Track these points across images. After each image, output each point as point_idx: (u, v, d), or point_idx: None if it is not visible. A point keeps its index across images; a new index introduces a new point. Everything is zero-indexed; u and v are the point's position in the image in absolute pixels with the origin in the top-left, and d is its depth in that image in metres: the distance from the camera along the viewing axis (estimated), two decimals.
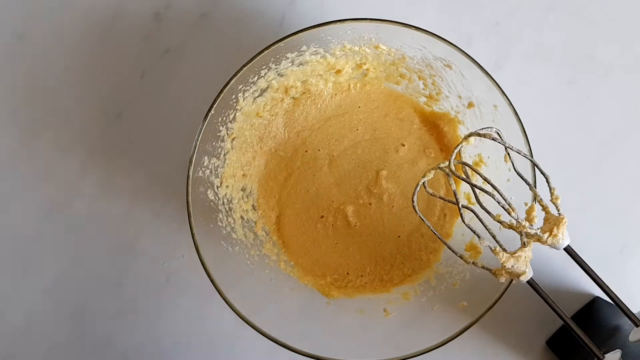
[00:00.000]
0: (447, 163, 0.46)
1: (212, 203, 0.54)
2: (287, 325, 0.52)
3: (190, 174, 0.51)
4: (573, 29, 0.62)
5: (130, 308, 0.60)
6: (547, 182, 0.46)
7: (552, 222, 0.46)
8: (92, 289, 0.60)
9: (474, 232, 0.46)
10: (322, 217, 0.58)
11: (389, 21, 0.51)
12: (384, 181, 0.59)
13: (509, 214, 0.45)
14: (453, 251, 0.48)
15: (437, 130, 0.60)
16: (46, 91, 0.61)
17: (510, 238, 0.47)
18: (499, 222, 0.46)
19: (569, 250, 0.46)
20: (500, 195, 0.45)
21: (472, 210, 0.47)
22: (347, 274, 0.58)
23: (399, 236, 0.58)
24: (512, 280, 0.48)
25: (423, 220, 0.48)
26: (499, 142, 0.47)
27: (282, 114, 0.59)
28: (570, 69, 0.62)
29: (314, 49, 0.54)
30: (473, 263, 0.48)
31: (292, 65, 0.55)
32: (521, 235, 0.46)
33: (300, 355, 0.50)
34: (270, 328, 0.50)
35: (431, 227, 0.48)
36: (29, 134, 0.61)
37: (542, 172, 0.46)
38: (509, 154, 0.48)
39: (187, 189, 0.50)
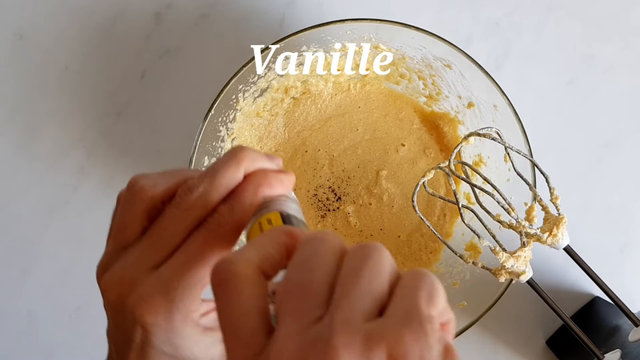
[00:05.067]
0: (447, 163, 0.47)
1: None
2: None
3: None
4: (573, 29, 0.62)
5: None
6: (547, 182, 0.46)
7: (551, 222, 0.46)
8: (92, 289, 0.60)
9: (474, 232, 0.46)
10: (322, 217, 0.58)
11: (389, 21, 0.51)
12: (384, 181, 0.59)
13: (508, 213, 0.45)
14: (453, 251, 0.48)
15: (437, 130, 0.60)
16: (46, 91, 0.61)
17: (510, 238, 0.47)
18: (498, 222, 0.46)
19: (568, 250, 0.47)
20: (500, 195, 0.45)
21: (472, 210, 0.47)
22: None
23: (399, 236, 0.58)
24: (511, 280, 0.48)
25: (423, 220, 0.48)
26: (499, 142, 0.47)
27: (282, 114, 0.59)
28: (570, 69, 0.62)
29: (314, 49, 0.54)
30: (473, 263, 0.48)
31: (292, 65, 0.55)
32: (521, 235, 0.46)
33: None
34: None
35: (431, 227, 0.48)
36: (29, 134, 0.61)
37: (541, 172, 0.46)
38: (508, 153, 0.48)
39: None
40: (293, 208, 0.30)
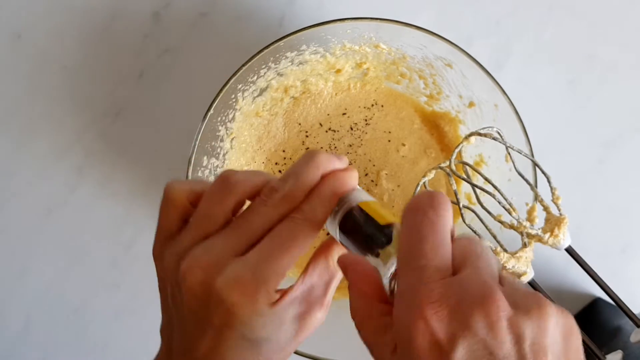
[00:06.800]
0: (447, 163, 0.46)
1: None
2: None
3: (189, 174, 0.50)
4: (573, 29, 0.62)
5: (129, 308, 0.60)
6: (548, 182, 0.46)
7: (553, 223, 0.45)
8: (91, 289, 0.60)
9: (475, 233, 0.46)
10: None
11: (390, 20, 0.51)
12: (384, 181, 0.58)
13: (509, 214, 0.45)
14: None
15: (437, 130, 0.59)
16: (44, 91, 0.61)
17: (511, 239, 0.46)
18: (499, 222, 0.46)
19: (570, 250, 0.46)
20: (501, 195, 0.45)
21: (472, 211, 0.47)
22: None
23: None
24: None
25: None
26: (500, 142, 0.46)
27: (281, 113, 0.59)
28: (571, 68, 0.62)
29: (314, 48, 0.54)
30: None
31: (291, 64, 0.55)
32: (522, 235, 0.46)
33: (300, 356, 0.50)
34: None
35: None
36: (27, 134, 0.61)
37: (543, 172, 0.46)
38: (509, 153, 0.48)
39: None
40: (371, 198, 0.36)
